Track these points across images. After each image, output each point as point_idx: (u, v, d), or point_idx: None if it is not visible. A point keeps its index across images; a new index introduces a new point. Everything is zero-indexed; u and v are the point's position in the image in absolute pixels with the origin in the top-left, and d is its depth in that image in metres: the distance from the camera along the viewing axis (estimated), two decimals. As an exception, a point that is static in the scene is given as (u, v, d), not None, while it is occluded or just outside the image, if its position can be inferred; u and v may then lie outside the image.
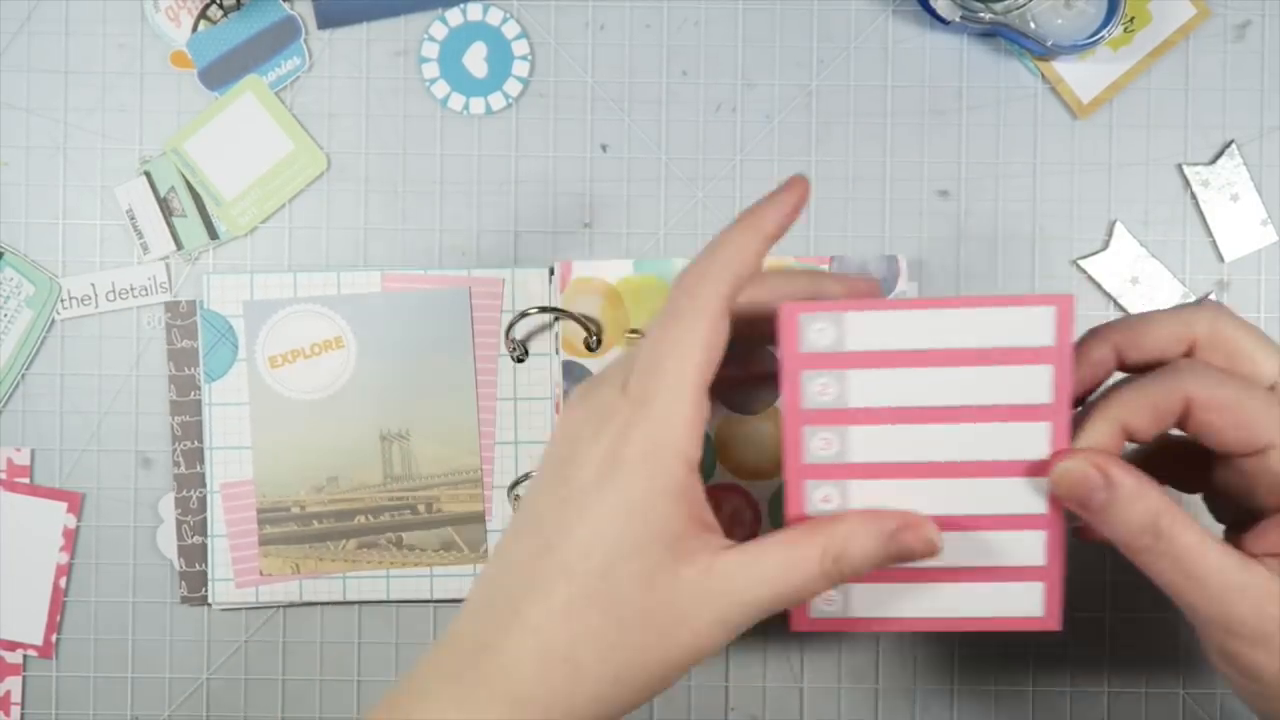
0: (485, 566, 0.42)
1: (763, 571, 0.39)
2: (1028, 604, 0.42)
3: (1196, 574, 0.38)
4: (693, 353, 0.39)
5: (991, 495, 0.41)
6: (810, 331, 0.40)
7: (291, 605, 0.56)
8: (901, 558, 0.40)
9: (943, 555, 0.40)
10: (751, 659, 0.57)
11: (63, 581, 0.57)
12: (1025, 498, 0.41)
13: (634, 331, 0.55)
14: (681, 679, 0.44)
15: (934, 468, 0.41)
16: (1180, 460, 0.44)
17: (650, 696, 0.39)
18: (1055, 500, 0.41)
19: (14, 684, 0.57)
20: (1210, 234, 0.57)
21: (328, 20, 0.57)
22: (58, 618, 0.57)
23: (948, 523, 0.40)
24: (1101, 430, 0.40)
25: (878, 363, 0.40)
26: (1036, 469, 0.40)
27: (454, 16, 0.57)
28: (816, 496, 0.41)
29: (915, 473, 0.41)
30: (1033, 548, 0.41)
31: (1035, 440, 0.40)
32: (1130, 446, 0.42)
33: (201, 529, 0.56)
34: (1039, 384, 0.40)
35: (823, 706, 0.57)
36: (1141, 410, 0.40)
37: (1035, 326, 0.39)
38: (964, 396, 0.40)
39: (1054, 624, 0.42)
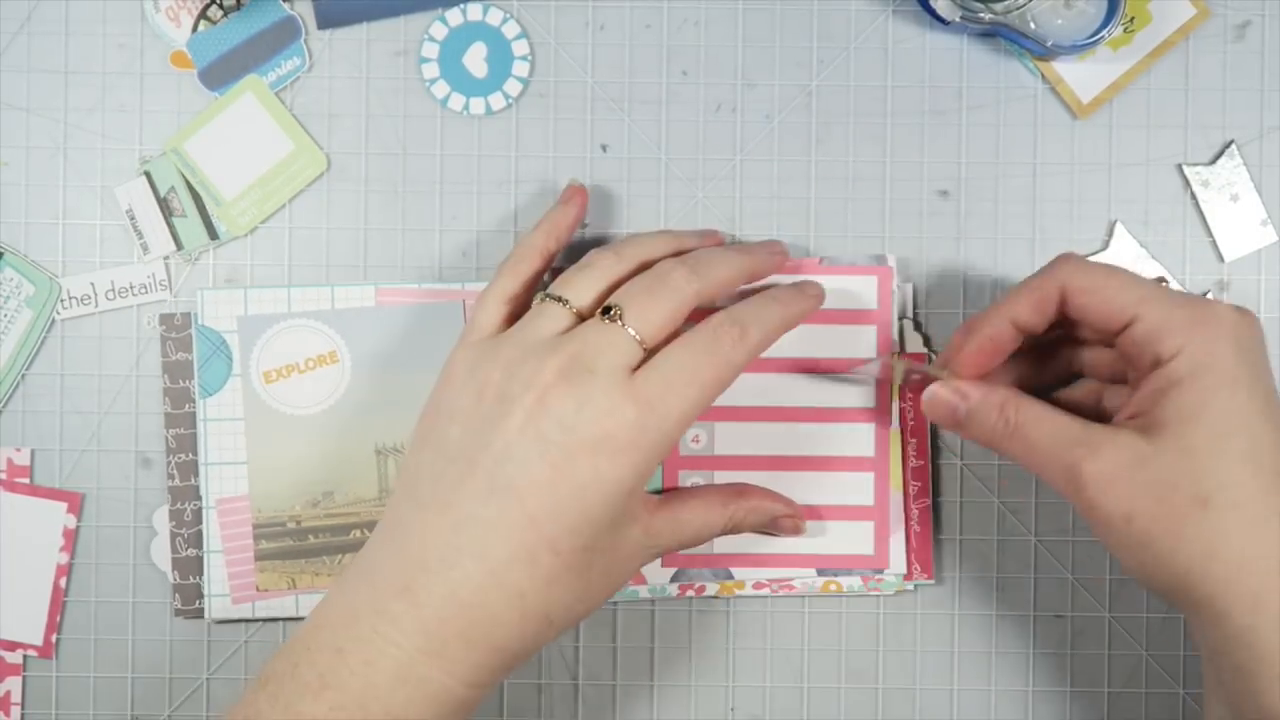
0: (434, 515, 0.45)
1: (685, 527, 0.50)
2: (860, 543, 0.53)
3: (1040, 442, 0.45)
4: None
5: (832, 441, 0.53)
6: None
7: (289, 619, 0.56)
8: (776, 532, 0.54)
9: (794, 493, 0.54)
10: (753, 659, 0.57)
11: (63, 582, 0.57)
12: (857, 443, 0.53)
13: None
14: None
15: (787, 411, 0.53)
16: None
17: None
18: (881, 444, 0.52)
19: (14, 684, 0.57)
20: (1210, 234, 0.57)
21: (328, 20, 0.57)
22: (58, 618, 0.57)
23: (798, 463, 0.53)
24: (994, 324, 0.48)
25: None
26: (872, 417, 0.54)
27: (454, 16, 0.57)
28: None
29: (770, 415, 0.54)
30: (863, 489, 0.52)
31: (864, 396, 0.53)
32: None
33: (196, 542, 0.56)
34: (865, 341, 0.53)
35: (824, 706, 0.57)
36: (1025, 303, 0.47)
37: (863, 290, 0.53)
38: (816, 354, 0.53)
39: (882, 562, 0.53)
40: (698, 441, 0.53)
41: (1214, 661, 0.44)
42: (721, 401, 0.47)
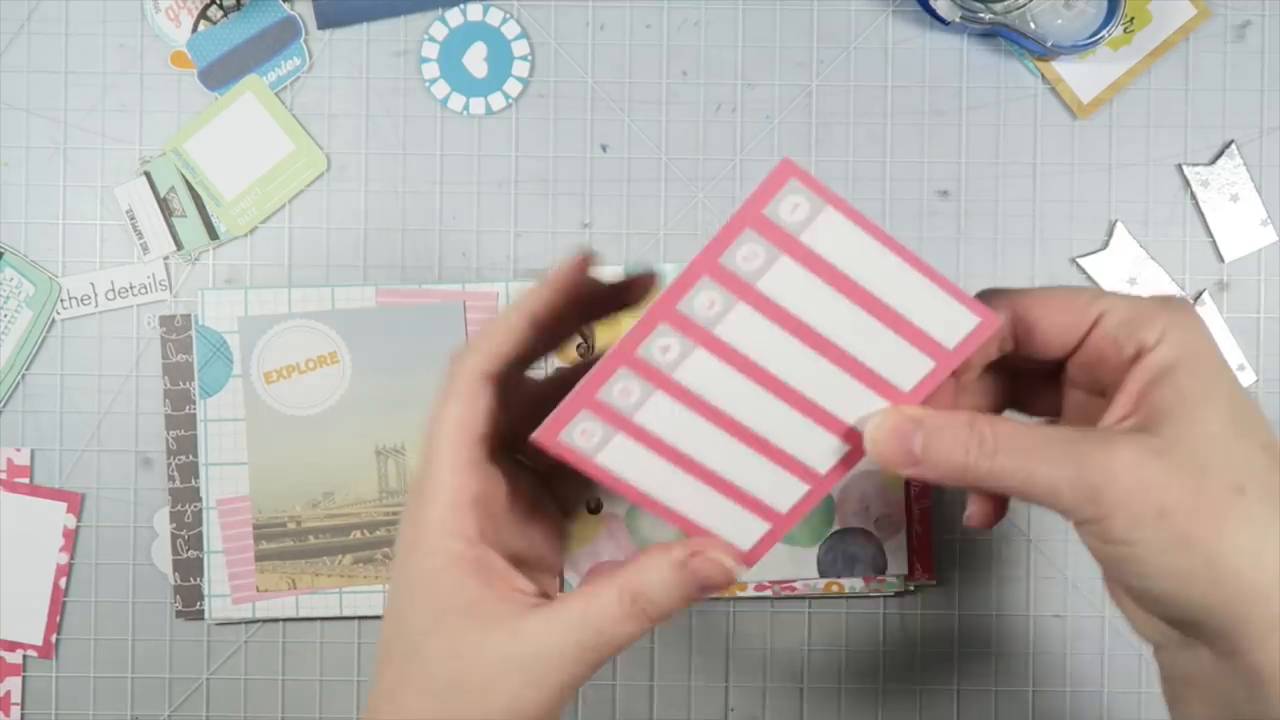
0: None
1: (565, 621, 0.38)
2: (744, 536, 0.41)
3: (1034, 450, 0.37)
4: (451, 431, 0.39)
5: (795, 433, 0.39)
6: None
7: (289, 620, 0.56)
8: (702, 586, 0.39)
9: (718, 460, 0.39)
10: (752, 659, 0.57)
11: (63, 582, 0.57)
12: (819, 452, 0.40)
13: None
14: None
15: (770, 380, 0.38)
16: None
17: None
18: (836, 469, 0.40)
19: (14, 684, 0.57)
20: (1210, 234, 0.57)
21: (328, 20, 0.57)
22: (58, 618, 0.57)
23: (742, 432, 0.39)
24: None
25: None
26: (846, 434, 0.39)
27: (454, 16, 0.57)
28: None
29: (755, 375, 0.38)
30: (787, 494, 0.40)
31: (868, 410, 0.39)
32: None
33: (197, 544, 0.56)
34: (910, 370, 0.39)
35: (823, 706, 0.57)
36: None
37: (951, 323, 0.38)
38: (840, 334, 0.38)
39: (747, 563, 0.41)
40: (667, 351, 0.37)
41: (1234, 689, 0.37)
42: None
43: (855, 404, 0.39)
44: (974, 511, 0.42)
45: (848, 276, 0.37)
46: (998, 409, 0.43)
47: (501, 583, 0.40)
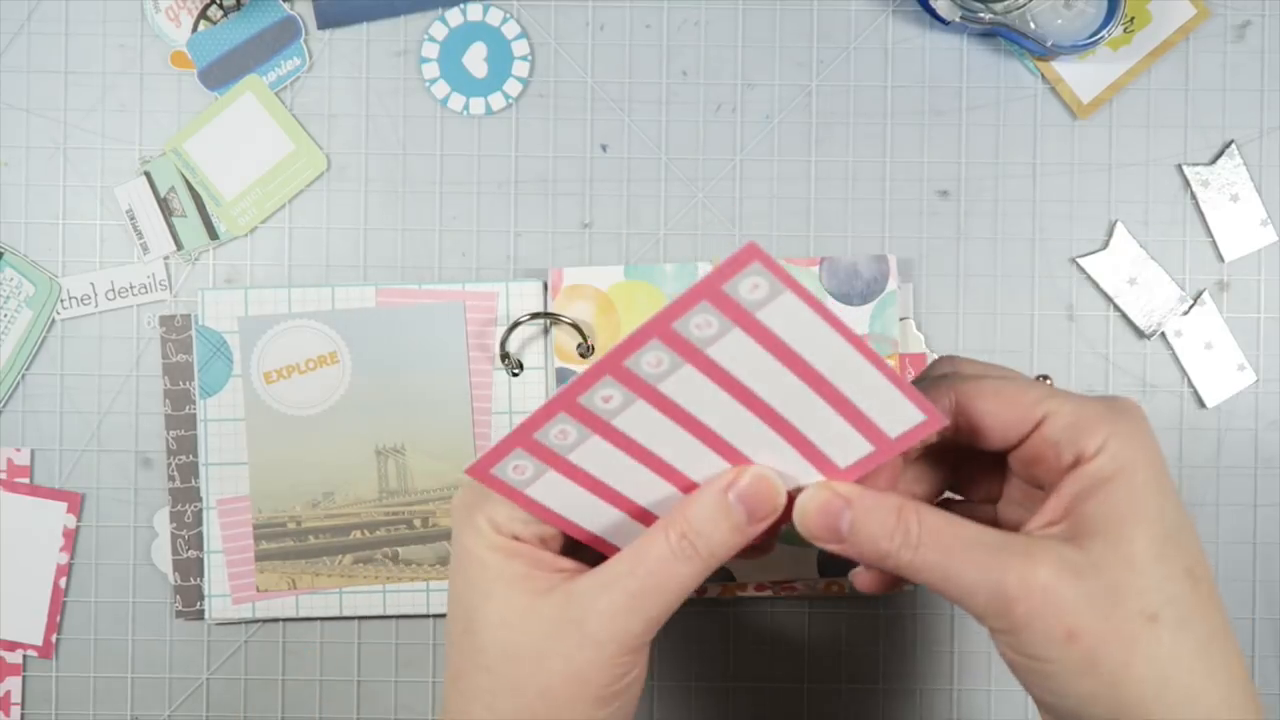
0: None
1: (614, 574, 0.38)
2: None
3: (955, 550, 0.37)
4: None
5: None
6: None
7: (289, 620, 0.56)
8: (751, 513, 0.38)
9: (650, 499, 0.39)
10: (753, 659, 0.57)
11: (63, 582, 0.57)
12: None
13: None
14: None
15: (708, 434, 0.38)
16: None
17: None
18: (765, 531, 0.39)
19: (14, 684, 0.57)
20: (1210, 234, 0.57)
21: (328, 20, 0.57)
22: (58, 618, 0.57)
23: (675, 477, 0.39)
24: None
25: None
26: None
27: (454, 16, 0.57)
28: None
29: (694, 431, 0.38)
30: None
31: (801, 478, 0.39)
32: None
33: (197, 544, 0.56)
34: (850, 450, 0.38)
35: (824, 706, 0.57)
36: None
37: (896, 414, 0.37)
38: (784, 406, 0.37)
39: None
40: (608, 401, 0.37)
41: None
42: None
43: (790, 470, 0.39)
44: (863, 577, 0.42)
45: (799, 356, 0.36)
46: (938, 489, 0.43)
47: (550, 562, 0.39)
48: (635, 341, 0.35)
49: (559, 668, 0.38)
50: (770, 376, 0.37)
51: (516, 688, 0.38)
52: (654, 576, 0.38)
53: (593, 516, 0.39)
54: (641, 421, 0.37)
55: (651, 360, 0.36)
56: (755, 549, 0.41)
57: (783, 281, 0.35)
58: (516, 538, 0.39)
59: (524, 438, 0.37)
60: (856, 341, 0.36)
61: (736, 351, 0.36)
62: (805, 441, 0.38)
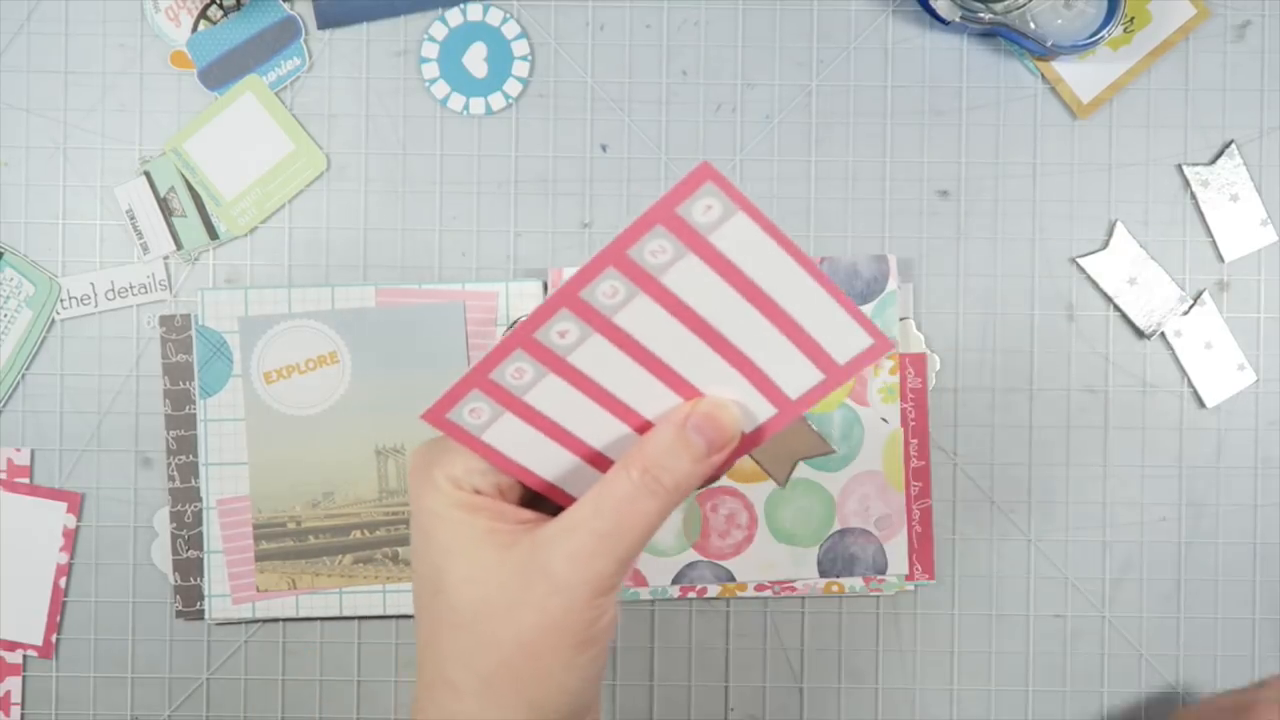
0: None
1: (579, 517, 0.37)
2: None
3: None
4: None
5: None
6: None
7: (289, 620, 0.56)
8: (710, 443, 0.38)
9: (605, 441, 0.39)
10: (751, 659, 0.57)
11: (63, 582, 0.57)
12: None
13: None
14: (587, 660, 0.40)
15: (663, 369, 0.38)
16: None
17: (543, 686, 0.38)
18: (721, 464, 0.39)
19: (14, 684, 0.57)
20: (1210, 234, 0.57)
21: (328, 20, 0.57)
22: (58, 618, 0.57)
23: (630, 416, 0.39)
24: None
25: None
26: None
27: (454, 16, 0.57)
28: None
29: (646, 362, 0.38)
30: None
31: (754, 410, 0.39)
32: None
33: (197, 544, 0.56)
34: (800, 380, 0.38)
35: (823, 706, 0.57)
36: None
37: (846, 340, 0.38)
38: (737, 335, 0.38)
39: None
40: (564, 336, 0.37)
41: None
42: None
43: (743, 402, 0.39)
44: None
45: (751, 281, 0.36)
46: None
47: (513, 514, 0.39)
48: (591, 271, 0.35)
49: (533, 618, 0.37)
50: (723, 303, 0.37)
51: (493, 643, 0.38)
52: (620, 515, 0.37)
53: (549, 462, 0.39)
54: (597, 357, 0.37)
55: (607, 290, 0.36)
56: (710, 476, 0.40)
57: (735, 202, 0.35)
58: (477, 491, 0.39)
59: (480, 378, 0.37)
60: (807, 263, 0.36)
61: (691, 277, 0.36)
62: (758, 372, 0.38)
